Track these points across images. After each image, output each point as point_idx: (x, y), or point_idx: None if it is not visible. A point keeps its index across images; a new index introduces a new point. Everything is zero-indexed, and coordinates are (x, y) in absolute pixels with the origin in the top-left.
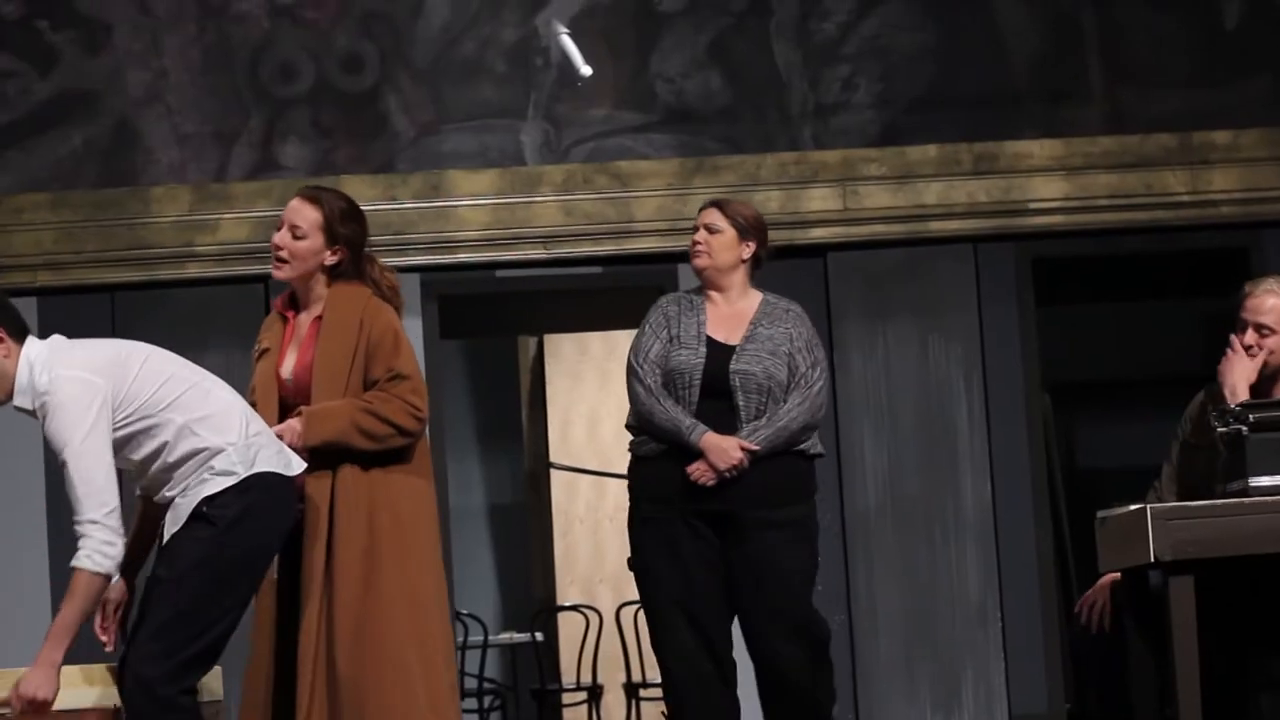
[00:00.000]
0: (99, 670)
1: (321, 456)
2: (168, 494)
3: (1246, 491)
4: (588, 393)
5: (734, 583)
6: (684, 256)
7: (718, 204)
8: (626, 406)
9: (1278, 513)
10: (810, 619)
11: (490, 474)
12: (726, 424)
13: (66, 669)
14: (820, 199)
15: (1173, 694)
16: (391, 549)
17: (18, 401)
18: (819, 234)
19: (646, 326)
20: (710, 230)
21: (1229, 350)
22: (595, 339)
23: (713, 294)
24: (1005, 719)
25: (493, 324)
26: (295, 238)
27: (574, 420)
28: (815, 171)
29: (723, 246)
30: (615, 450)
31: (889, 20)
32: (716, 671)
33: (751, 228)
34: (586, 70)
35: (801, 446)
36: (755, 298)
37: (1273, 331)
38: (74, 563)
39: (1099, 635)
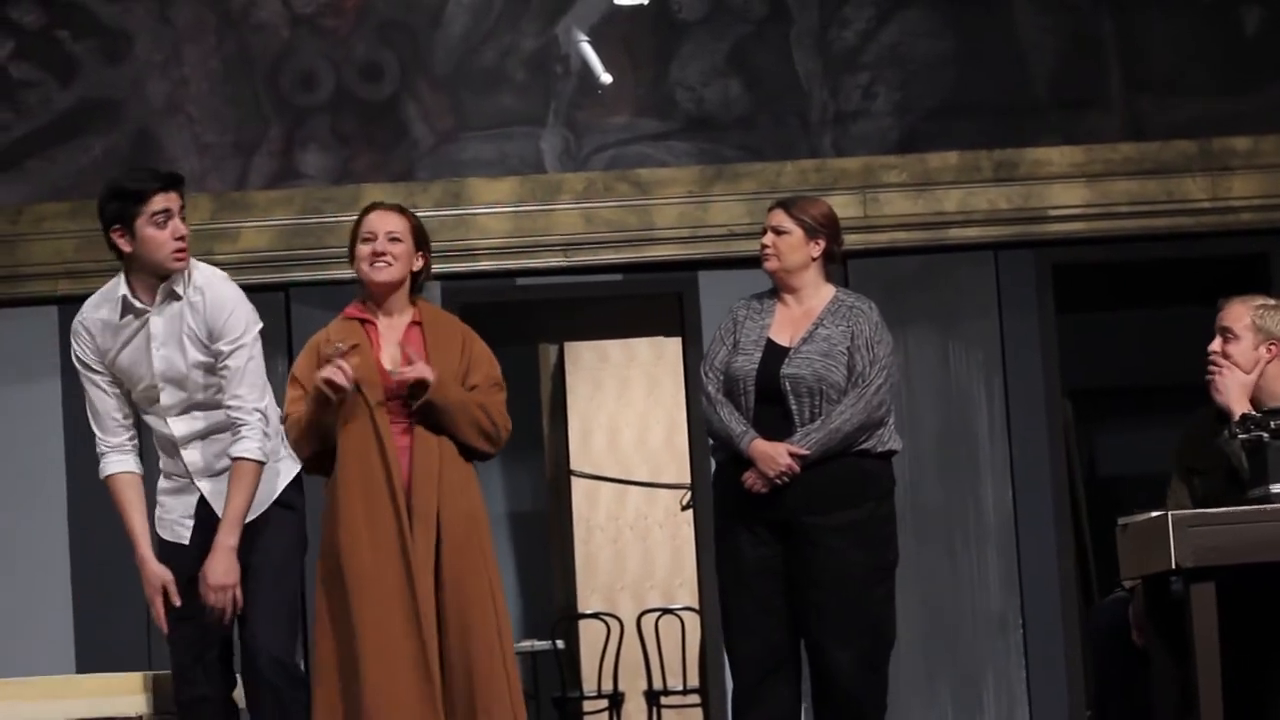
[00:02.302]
0: (100, 680)
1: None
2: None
3: (1268, 498)
4: (608, 400)
5: (792, 587)
6: (704, 264)
7: (784, 204)
8: (646, 413)
9: None
10: (867, 626)
11: (511, 482)
12: (783, 429)
13: (88, 678)
14: (840, 206)
15: (1194, 701)
16: (483, 544)
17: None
18: None
19: (716, 332)
20: (777, 232)
21: (1213, 370)
22: (615, 346)
23: (785, 294)
24: None
25: (513, 332)
26: (393, 240)
27: (594, 428)
28: (835, 179)
29: (790, 248)
30: (636, 457)
31: (908, 28)
32: (778, 676)
33: (820, 225)
34: (606, 78)
35: (865, 445)
36: (826, 295)
37: (1236, 337)
38: (241, 454)
39: (1120, 643)
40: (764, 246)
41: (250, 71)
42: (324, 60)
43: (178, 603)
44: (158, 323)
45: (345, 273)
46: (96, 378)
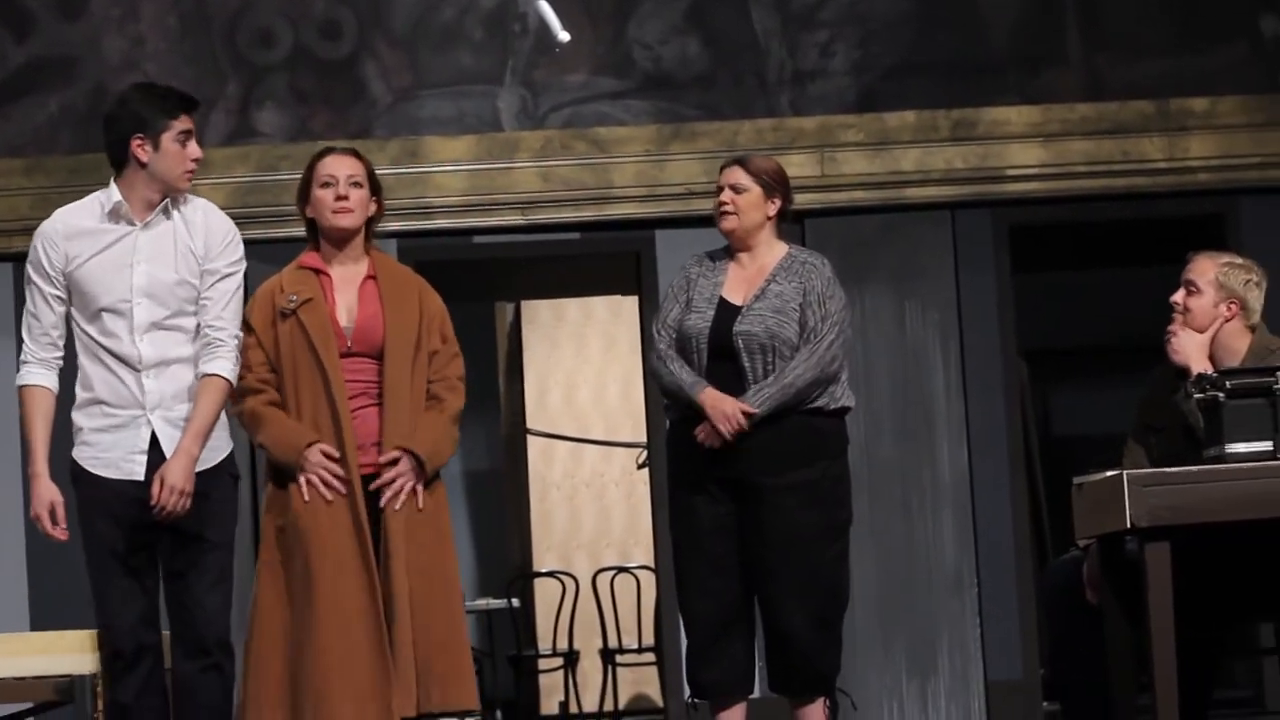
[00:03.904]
0: (51, 637)
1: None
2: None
3: (1223, 458)
4: (564, 358)
5: (746, 546)
6: (661, 222)
7: (740, 162)
8: (602, 372)
9: (1253, 479)
10: (821, 585)
11: (467, 440)
12: (736, 387)
13: (17, 636)
14: (798, 165)
15: (1148, 660)
16: (445, 514)
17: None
18: (796, 200)
19: (668, 290)
20: (736, 190)
21: (1171, 329)
22: (572, 305)
23: (738, 253)
24: (981, 685)
25: (469, 290)
26: (354, 185)
27: (551, 386)
28: (793, 138)
29: (749, 205)
30: (592, 416)
31: None
32: (732, 634)
33: (776, 183)
34: (564, 36)
35: (818, 403)
36: (779, 252)
37: (1199, 291)
38: (215, 371)
39: (1074, 602)
40: (722, 204)
41: (208, 28)
42: (282, 18)
43: (63, 524)
44: (145, 238)
45: (302, 229)
46: (47, 288)
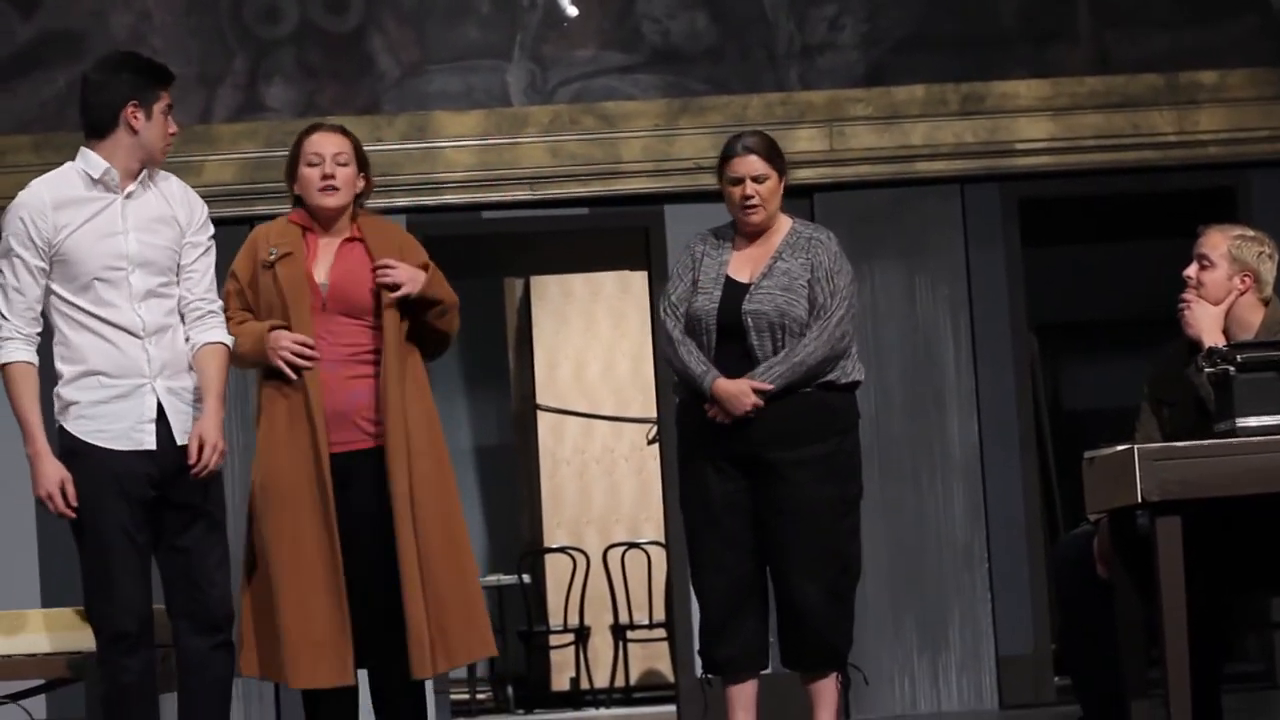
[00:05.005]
0: (64, 615)
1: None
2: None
3: (1234, 432)
4: (574, 334)
5: (760, 523)
6: (669, 197)
7: (751, 149)
8: (612, 347)
9: (1264, 453)
10: (833, 559)
11: (477, 416)
12: (745, 366)
13: (30, 613)
14: (806, 139)
15: (1159, 634)
16: (449, 472)
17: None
18: (805, 175)
19: (675, 269)
20: (758, 181)
21: (1184, 301)
22: (581, 280)
23: (750, 233)
24: (992, 659)
25: (478, 265)
26: (340, 164)
27: (560, 362)
28: (801, 112)
29: (771, 194)
30: (601, 391)
31: None
32: (745, 610)
33: (783, 162)
34: (572, 10)
35: (829, 378)
36: (784, 227)
37: (1212, 264)
38: (218, 339)
39: (1085, 576)
40: (747, 198)
41: (214, 3)
42: None
43: (74, 501)
44: (130, 207)
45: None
46: (33, 261)
